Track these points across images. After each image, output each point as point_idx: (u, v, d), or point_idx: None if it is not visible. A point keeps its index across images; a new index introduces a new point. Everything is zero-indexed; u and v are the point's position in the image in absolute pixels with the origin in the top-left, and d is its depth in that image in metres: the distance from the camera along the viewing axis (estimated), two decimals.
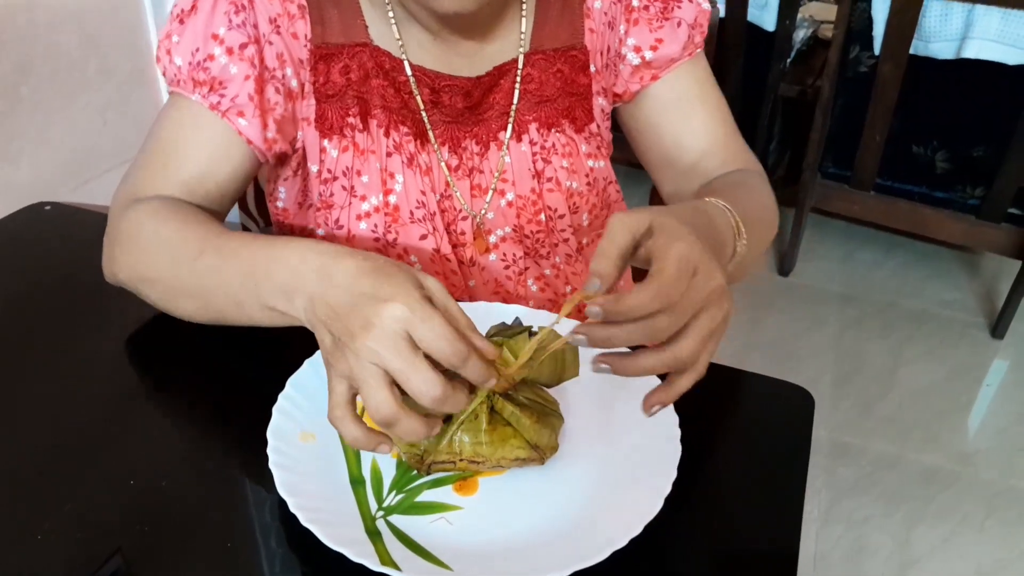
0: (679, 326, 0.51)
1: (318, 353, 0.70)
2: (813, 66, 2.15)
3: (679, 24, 0.82)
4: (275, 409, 0.64)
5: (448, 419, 0.59)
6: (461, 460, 0.60)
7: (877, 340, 2.14)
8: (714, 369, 0.67)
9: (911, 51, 1.83)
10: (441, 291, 0.54)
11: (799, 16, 2.03)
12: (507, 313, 0.75)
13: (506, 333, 0.59)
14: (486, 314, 0.71)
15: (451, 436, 0.59)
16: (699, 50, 0.86)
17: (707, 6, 0.84)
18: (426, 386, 0.50)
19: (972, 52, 1.77)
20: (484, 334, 0.57)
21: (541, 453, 0.61)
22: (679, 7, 0.82)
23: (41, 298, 0.82)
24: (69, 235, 0.94)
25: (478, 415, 0.59)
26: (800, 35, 2.13)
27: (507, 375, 0.57)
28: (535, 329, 0.58)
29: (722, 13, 1.95)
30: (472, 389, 0.56)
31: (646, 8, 0.82)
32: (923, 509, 1.69)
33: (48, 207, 0.96)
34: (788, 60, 2.06)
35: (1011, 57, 1.76)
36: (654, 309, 0.49)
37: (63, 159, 1.06)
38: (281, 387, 0.66)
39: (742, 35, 2.00)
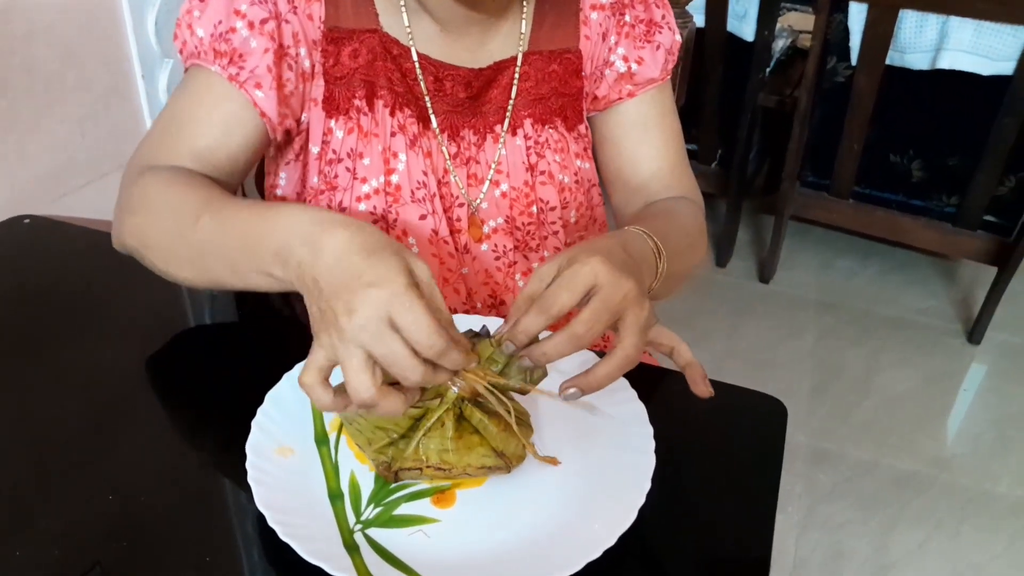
0: (598, 332, 0.57)
1: (297, 367, 0.71)
2: (792, 76, 2.17)
3: (658, 48, 0.88)
4: (254, 423, 0.64)
5: (415, 426, 0.60)
6: (428, 467, 0.61)
7: (855, 347, 2.16)
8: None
9: (887, 62, 1.86)
10: (428, 279, 0.55)
11: (778, 26, 2.04)
12: (473, 324, 0.76)
13: (469, 336, 0.60)
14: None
15: (417, 442, 0.60)
16: (668, 77, 0.90)
17: (679, 37, 0.90)
18: (407, 372, 0.52)
19: (946, 63, 1.80)
20: None
21: (507, 461, 0.62)
22: (660, 32, 0.88)
23: (19, 312, 0.82)
24: (49, 248, 0.94)
25: (444, 423, 0.60)
26: (779, 45, 2.14)
27: (472, 378, 0.58)
28: (491, 331, 0.61)
29: (702, 23, 1.97)
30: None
31: (633, 27, 0.87)
32: (899, 514, 1.71)
33: (27, 220, 0.96)
34: (767, 70, 2.08)
35: (984, 68, 1.78)
36: (541, 322, 0.57)
37: (41, 172, 1.06)
38: (260, 401, 0.66)
39: (722, 45, 2.02)
